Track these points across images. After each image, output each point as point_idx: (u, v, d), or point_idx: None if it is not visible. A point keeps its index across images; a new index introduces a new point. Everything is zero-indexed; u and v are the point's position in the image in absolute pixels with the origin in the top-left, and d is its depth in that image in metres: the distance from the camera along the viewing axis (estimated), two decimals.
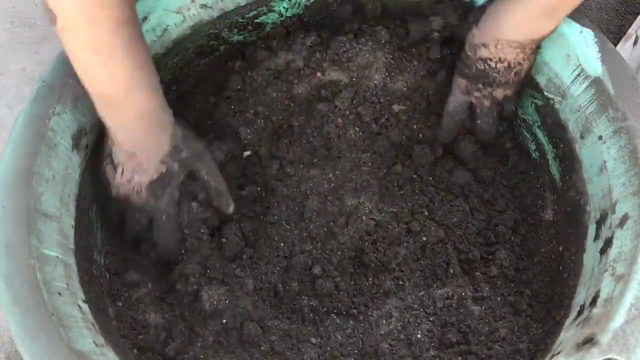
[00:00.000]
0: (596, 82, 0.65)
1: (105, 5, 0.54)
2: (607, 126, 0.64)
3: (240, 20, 0.76)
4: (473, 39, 0.69)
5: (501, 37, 0.67)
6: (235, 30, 0.77)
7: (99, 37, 0.55)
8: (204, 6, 0.73)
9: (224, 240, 0.70)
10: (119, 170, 0.64)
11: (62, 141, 0.62)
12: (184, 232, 0.69)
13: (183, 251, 0.69)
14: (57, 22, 0.54)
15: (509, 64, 0.68)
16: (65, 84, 0.62)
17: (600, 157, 0.65)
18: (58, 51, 0.65)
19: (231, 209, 0.71)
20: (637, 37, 0.92)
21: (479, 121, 0.74)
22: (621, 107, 0.63)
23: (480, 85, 0.71)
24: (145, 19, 0.68)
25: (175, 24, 0.72)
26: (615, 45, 0.88)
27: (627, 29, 0.94)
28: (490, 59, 0.69)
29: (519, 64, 0.68)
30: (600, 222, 0.64)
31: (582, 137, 0.68)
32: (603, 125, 0.65)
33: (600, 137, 0.65)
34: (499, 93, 0.71)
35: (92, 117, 0.66)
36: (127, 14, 0.56)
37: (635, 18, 0.97)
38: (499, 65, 0.69)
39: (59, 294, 0.55)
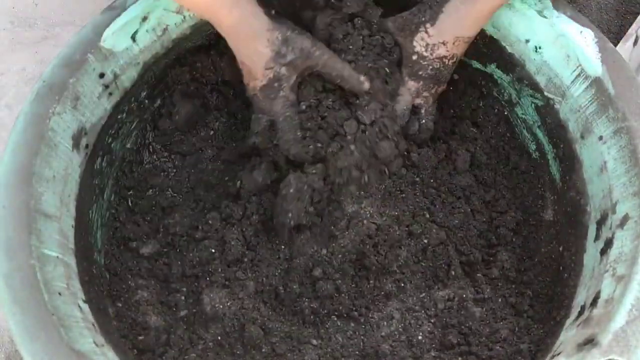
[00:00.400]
0: (596, 82, 0.65)
1: None
2: (607, 126, 0.64)
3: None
4: (429, 38, 0.69)
5: (461, 34, 0.68)
6: None
7: None
8: None
9: (226, 244, 0.70)
10: (243, 74, 0.69)
11: (62, 141, 0.62)
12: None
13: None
14: None
15: (456, 59, 0.70)
16: (65, 84, 0.62)
17: (601, 157, 0.65)
18: (58, 51, 0.65)
19: (366, 85, 0.70)
20: (637, 37, 0.92)
21: (424, 121, 0.74)
22: (621, 107, 0.63)
23: (431, 84, 0.71)
24: (145, 19, 0.68)
25: (175, 24, 0.72)
26: (615, 45, 0.88)
27: (627, 29, 0.94)
28: (446, 57, 0.69)
29: (458, 56, 0.70)
30: (600, 223, 0.64)
31: (582, 137, 0.68)
32: (603, 126, 0.65)
33: (600, 137, 0.65)
34: (441, 89, 0.73)
35: (92, 117, 0.66)
36: None
37: (635, 18, 0.97)
38: (450, 62, 0.69)
39: (59, 294, 0.55)
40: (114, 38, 0.66)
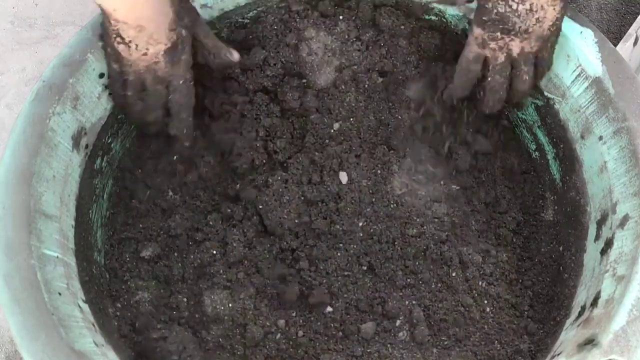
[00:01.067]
0: (596, 82, 0.65)
1: None
2: (607, 126, 0.64)
3: (240, 20, 0.76)
4: None
5: None
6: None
7: None
8: (204, 6, 0.73)
9: (227, 245, 0.70)
10: (132, 46, 0.63)
11: (62, 141, 0.62)
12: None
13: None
14: None
15: (530, 5, 0.63)
16: (65, 84, 0.62)
17: (601, 157, 0.65)
18: (58, 51, 0.65)
19: (236, 55, 0.70)
20: (637, 37, 0.92)
21: (489, 79, 0.69)
22: (621, 107, 0.63)
23: (498, 34, 0.65)
24: None
25: None
26: (615, 45, 0.88)
27: (627, 29, 0.94)
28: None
29: (542, 7, 0.63)
30: (600, 223, 0.64)
31: (582, 137, 0.68)
32: (603, 126, 0.65)
33: (600, 138, 0.65)
34: (516, 45, 0.66)
35: (92, 117, 0.66)
36: None
37: (636, 18, 0.97)
38: (520, 7, 0.63)
39: (59, 294, 0.55)
40: None
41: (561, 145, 0.72)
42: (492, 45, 0.66)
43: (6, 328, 0.89)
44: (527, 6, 0.63)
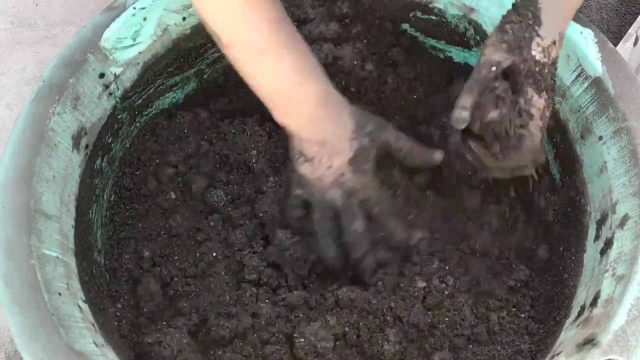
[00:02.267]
0: (596, 82, 0.65)
1: (257, 9, 0.58)
2: (607, 126, 0.64)
3: None
4: (543, 41, 0.60)
5: (563, 29, 0.60)
6: None
7: (260, 38, 0.59)
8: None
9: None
10: (316, 162, 0.63)
11: (62, 141, 0.62)
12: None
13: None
14: (223, 41, 0.59)
15: (554, 63, 0.61)
16: (65, 84, 0.62)
17: (601, 157, 0.65)
18: (58, 51, 0.65)
19: (439, 155, 0.68)
20: (637, 37, 0.92)
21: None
22: (621, 108, 0.63)
23: (551, 100, 0.62)
24: (145, 19, 0.68)
25: (175, 24, 0.72)
26: (615, 45, 0.88)
27: (628, 29, 0.94)
28: (556, 60, 0.60)
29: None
30: (600, 223, 0.64)
31: (582, 137, 0.68)
32: (603, 126, 0.65)
33: (600, 138, 0.65)
34: (550, 108, 0.63)
35: (92, 117, 0.66)
36: (279, 14, 0.60)
37: (636, 18, 0.97)
38: (556, 66, 0.61)
39: (59, 294, 0.55)
40: (114, 38, 0.66)
41: (561, 145, 0.72)
42: (547, 113, 0.62)
43: (6, 328, 0.89)
44: (557, 66, 0.61)
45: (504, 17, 0.61)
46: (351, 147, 0.64)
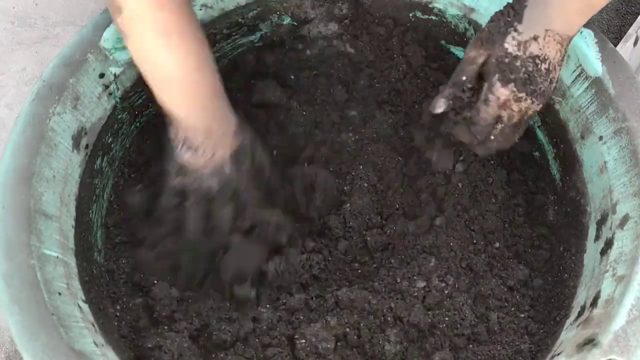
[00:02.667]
0: (596, 83, 0.65)
1: None
2: (607, 126, 0.64)
3: (240, 20, 0.76)
4: (520, 35, 0.61)
5: (550, 27, 0.60)
6: None
7: (168, 21, 0.57)
8: (204, 6, 0.73)
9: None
10: (200, 151, 0.64)
11: (62, 141, 0.62)
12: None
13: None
14: (124, 13, 0.57)
15: (549, 65, 0.61)
16: (65, 84, 0.62)
17: (601, 157, 0.65)
18: (58, 51, 0.65)
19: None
20: (637, 37, 0.92)
21: (496, 134, 0.65)
22: (621, 108, 0.63)
23: (524, 95, 0.61)
24: None
25: None
26: (615, 45, 0.88)
27: (628, 29, 0.94)
28: (539, 57, 0.60)
29: (554, 68, 0.62)
30: (600, 223, 0.64)
31: (582, 137, 0.68)
32: (603, 126, 0.65)
33: (600, 138, 0.65)
34: (533, 108, 0.62)
35: (92, 117, 0.66)
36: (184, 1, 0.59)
37: (636, 18, 0.97)
38: (542, 66, 0.61)
39: (59, 293, 0.55)
40: (114, 38, 0.66)
41: (561, 145, 0.72)
42: (514, 107, 0.62)
43: (6, 328, 0.89)
44: (547, 65, 0.61)
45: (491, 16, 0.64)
46: (234, 142, 0.66)
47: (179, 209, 0.67)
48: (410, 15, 0.79)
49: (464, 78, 0.64)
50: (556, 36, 0.61)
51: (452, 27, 0.78)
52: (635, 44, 0.92)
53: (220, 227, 0.67)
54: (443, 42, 0.80)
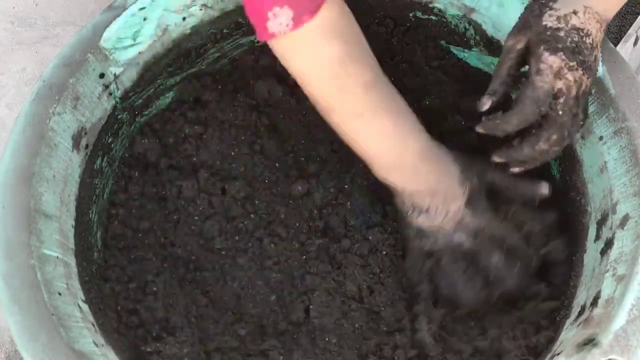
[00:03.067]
0: (596, 83, 0.65)
1: (353, 75, 0.60)
2: (607, 126, 0.64)
3: (241, 20, 0.76)
4: (558, 12, 0.59)
5: (588, 4, 0.59)
6: None
7: (357, 104, 0.61)
8: (204, 6, 0.73)
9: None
10: (432, 212, 0.64)
11: (62, 141, 0.62)
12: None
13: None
14: (321, 105, 0.62)
15: (592, 41, 0.58)
16: (65, 84, 0.62)
17: (601, 157, 0.65)
18: (58, 51, 0.65)
19: (545, 187, 0.68)
20: (637, 37, 0.92)
21: (560, 112, 0.59)
22: (622, 108, 0.63)
23: (575, 63, 0.58)
24: (145, 19, 0.68)
25: (175, 24, 0.72)
26: (615, 45, 0.88)
27: (627, 29, 0.94)
28: (582, 30, 0.58)
29: (597, 46, 0.59)
30: (600, 223, 0.64)
31: (582, 137, 0.68)
32: (603, 126, 0.65)
33: (600, 138, 0.65)
34: (585, 81, 0.59)
35: (92, 117, 0.66)
36: (375, 75, 0.62)
37: (636, 18, 0.97)
38: (586, 39, 0.58)
39: (59, 294, 0.55)
40: (114, 38, 0.66)
41: None
42: (569, 76, 0.58)
43: (6, 328, 0.89)
44: (590, 40, 0.59)
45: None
46: (463, 191, 0.65)
47: (434, 271, 0.66)
48: (411, 15, 0.79)
49: (505, 68, 0.61)
50: (595, 14, 0.59)
51: (452, 27, 0.78)
52: (635, 44, 0.92)
53: (501, 275, 0.66)
54: (443, 42, 0.80)
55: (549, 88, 0.58)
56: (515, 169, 0.63)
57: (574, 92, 0.58)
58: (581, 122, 0.60)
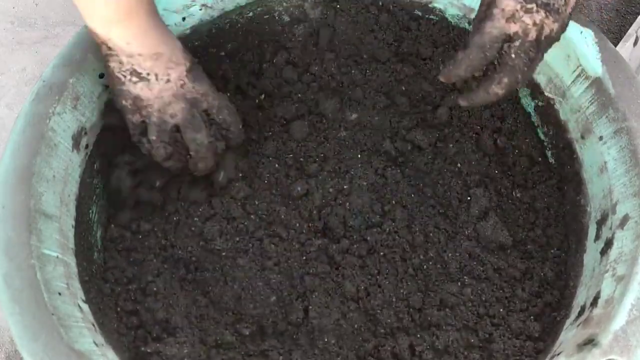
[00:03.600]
0: (596, 83, 0.65)
1: None
2: (607, 126, 0.64)
3: (240, 19, 0.76)
4: None
5: None
6: None
7: None
8: (204, 6, 0.73)
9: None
10: (152, 78, 0.61)
11: (62, 141, 0.62)
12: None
13: None
14: None
15: None
16: (65, 84, 0.62)
17: (601, 157, 0.65)
18: (58, 51, 0.65)
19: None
20: (637, 37, 0.92)
21: (513, 55, 0.57)
22: (621, 108, 0.63)
23: (534, 6, 0.55)
24: None
25: (175, 24, 0.72)
26: (616, 45, 0.88)
27: (627, 29, 0.94)
28: None
29: None
30: (600, 223, 0.64)
31: (582, 137, 0.68)
32: (603, 126, 0.65)
33: (600, 138, 0.65)
34: (549, 25, 0.56)
35: (92, 117, 0.66)
36: None
37: (636, 18, 0.97)
38: None
39: (59, 293, 0.55)
40: None
41: (561, 145, 0.72)
42: (527, 19, 0.56)
43: (6, 328, 0.89)
44: None
45: None
46: (185, 57, 0.63)
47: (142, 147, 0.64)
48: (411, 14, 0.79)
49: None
50: None
51: (452, 26, 0.78)
52: (635, 44, 0.93)
53: (202, 153, 0.65)
54: (443, 42, 0.80)
55: (498, 33, 0.57)
56: (464, 102, 0.61)
57: (532, 35, 0.56)
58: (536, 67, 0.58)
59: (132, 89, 0.61)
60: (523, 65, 0.57)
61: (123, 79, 0.60)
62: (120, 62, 0.60)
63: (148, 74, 0.60)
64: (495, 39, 0.57)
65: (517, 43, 0.57)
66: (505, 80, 0.58)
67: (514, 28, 0.56)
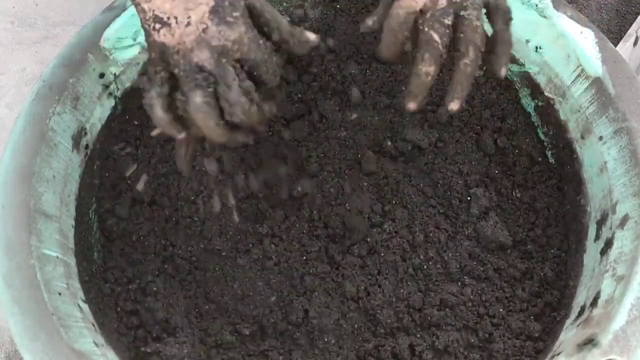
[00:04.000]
0: (596, 83, 0.65)
1: None
2: (607, 126, 0.64)
3: None
4: None
5: None
6: None
7: None
8: None
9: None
10: (172, 21, 0.52)
11: (62, 141, 0.62)
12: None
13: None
14: None
15: None
16: (65, 84, 0.62)
17: (601, 157, 0.65)
18: (58, 51, 0.65)
19: (313, 37, 0.58)
20: (637, 37, 0.92)
21: (425, 29, 0.53)
22: (621, 108, 0.63)
23: None
24: None
25: None
26: (616, 45, 0.88)
27: (627, 29, 0.94)
28: None
29: None
30: (600, 223, 0.64)
31: (582, 137, 0.68)
32: (603, 126, 0.65)
33: (600, 138, 0.65)
34: None
35: (92, 117, 0.66)
36: None
37: (636, 18, 0.97)
38: None
39: (59, 293, 0.55)
40: (114, 38, 0.66)
41: (561, 145, 0.72)
42: None
43: (6, 328, 0.89)
44: None
45: None
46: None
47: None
48: None
49: None
50: None
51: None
52: (635, 44, 0.93)
53: (239, 113, 0.53)
54: None
55: (404, 13, 0.54)
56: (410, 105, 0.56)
57: (442, 3, 0.53)
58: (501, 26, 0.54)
59: (157, 37, 0.53)
60: (439, 36, 0.53)
61: (149, 28, 0.53)
62: (144, 11, 0.53)
63: (168, 18, 0.52)
64: (404, 18, 0.54)
65: (427, 15, 0.53)
66: (427, 55, 0.54)
67: (420, 1, 0.53)
